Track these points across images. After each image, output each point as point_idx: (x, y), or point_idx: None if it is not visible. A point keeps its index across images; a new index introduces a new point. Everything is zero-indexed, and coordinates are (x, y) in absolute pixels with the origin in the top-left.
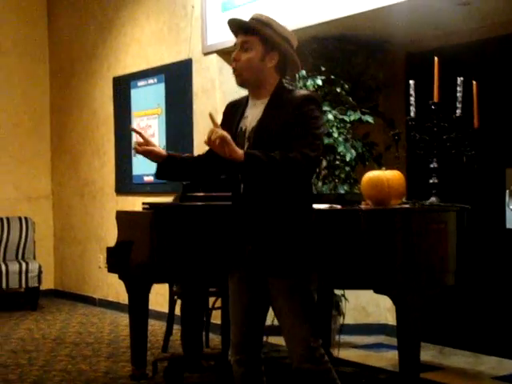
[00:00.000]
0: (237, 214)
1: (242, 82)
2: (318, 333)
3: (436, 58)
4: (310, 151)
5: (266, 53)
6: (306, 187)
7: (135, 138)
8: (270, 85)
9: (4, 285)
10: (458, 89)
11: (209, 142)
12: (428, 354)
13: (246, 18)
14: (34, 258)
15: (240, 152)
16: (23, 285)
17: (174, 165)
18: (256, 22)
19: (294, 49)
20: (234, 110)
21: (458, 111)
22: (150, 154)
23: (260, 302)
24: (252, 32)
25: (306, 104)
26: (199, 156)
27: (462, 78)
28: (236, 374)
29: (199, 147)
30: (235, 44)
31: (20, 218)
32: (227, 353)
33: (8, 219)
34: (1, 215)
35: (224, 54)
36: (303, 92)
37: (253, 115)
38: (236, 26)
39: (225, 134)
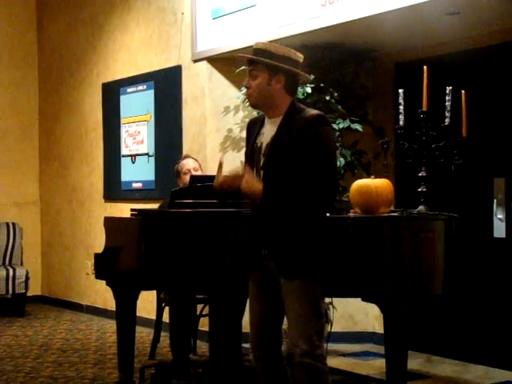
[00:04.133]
0: (255, 220)
1: (253, 105)
2: (322, 333)
3: (425, 67)
4: (328, 180)
5: (271, 77)
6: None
7: (123, 144)
8: (281, 104)
9: None
10: (447, 98)
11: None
12: (415, 362)
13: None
14: (22, 264)
15: (258, 193)
16: (10, 291)
17: None
18: (255, 53)
19: (301, 63)
20: (253, 127)
21: (447, 120)
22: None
23: (276, 303)
24: (255, 62)
25: (314, 124)
26: None
27: (450, 88)
28: (256, 369)
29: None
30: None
31: (8, 224)
32: (215, 360)
33: None
34: None
35: (213, 61)
36: (312, 112)
37: (268, 133)
38: (242, 60)
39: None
